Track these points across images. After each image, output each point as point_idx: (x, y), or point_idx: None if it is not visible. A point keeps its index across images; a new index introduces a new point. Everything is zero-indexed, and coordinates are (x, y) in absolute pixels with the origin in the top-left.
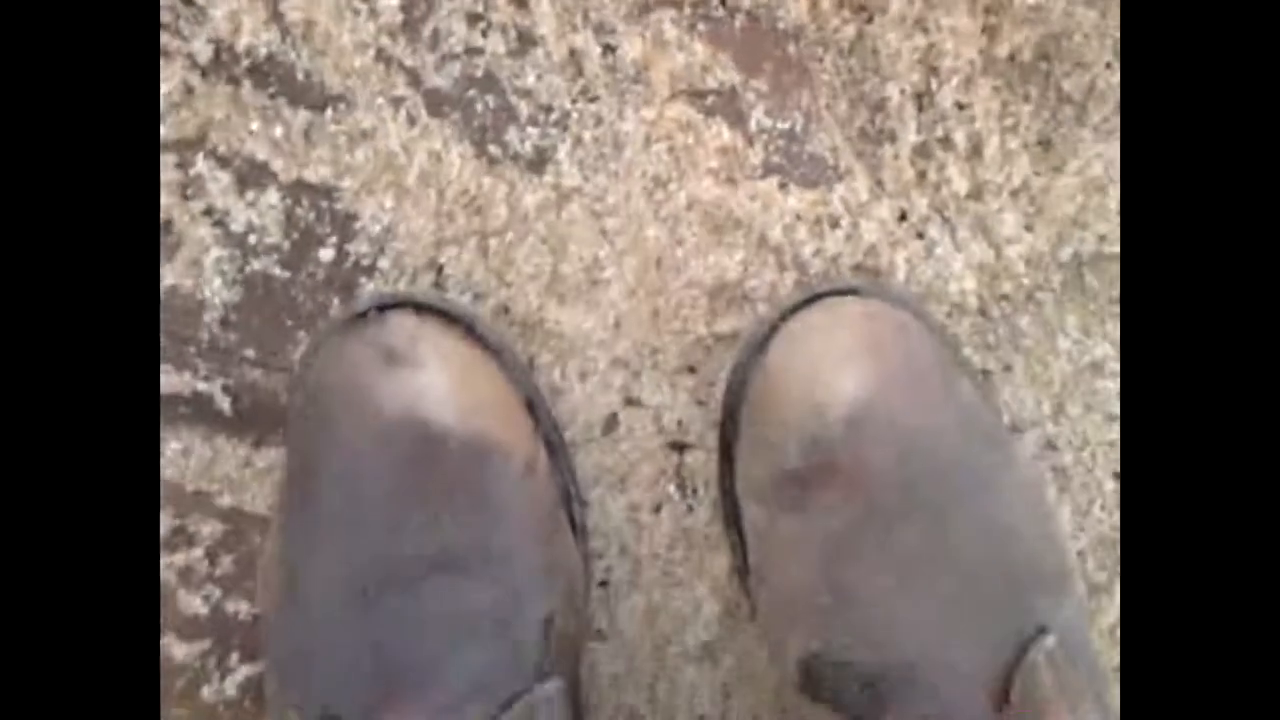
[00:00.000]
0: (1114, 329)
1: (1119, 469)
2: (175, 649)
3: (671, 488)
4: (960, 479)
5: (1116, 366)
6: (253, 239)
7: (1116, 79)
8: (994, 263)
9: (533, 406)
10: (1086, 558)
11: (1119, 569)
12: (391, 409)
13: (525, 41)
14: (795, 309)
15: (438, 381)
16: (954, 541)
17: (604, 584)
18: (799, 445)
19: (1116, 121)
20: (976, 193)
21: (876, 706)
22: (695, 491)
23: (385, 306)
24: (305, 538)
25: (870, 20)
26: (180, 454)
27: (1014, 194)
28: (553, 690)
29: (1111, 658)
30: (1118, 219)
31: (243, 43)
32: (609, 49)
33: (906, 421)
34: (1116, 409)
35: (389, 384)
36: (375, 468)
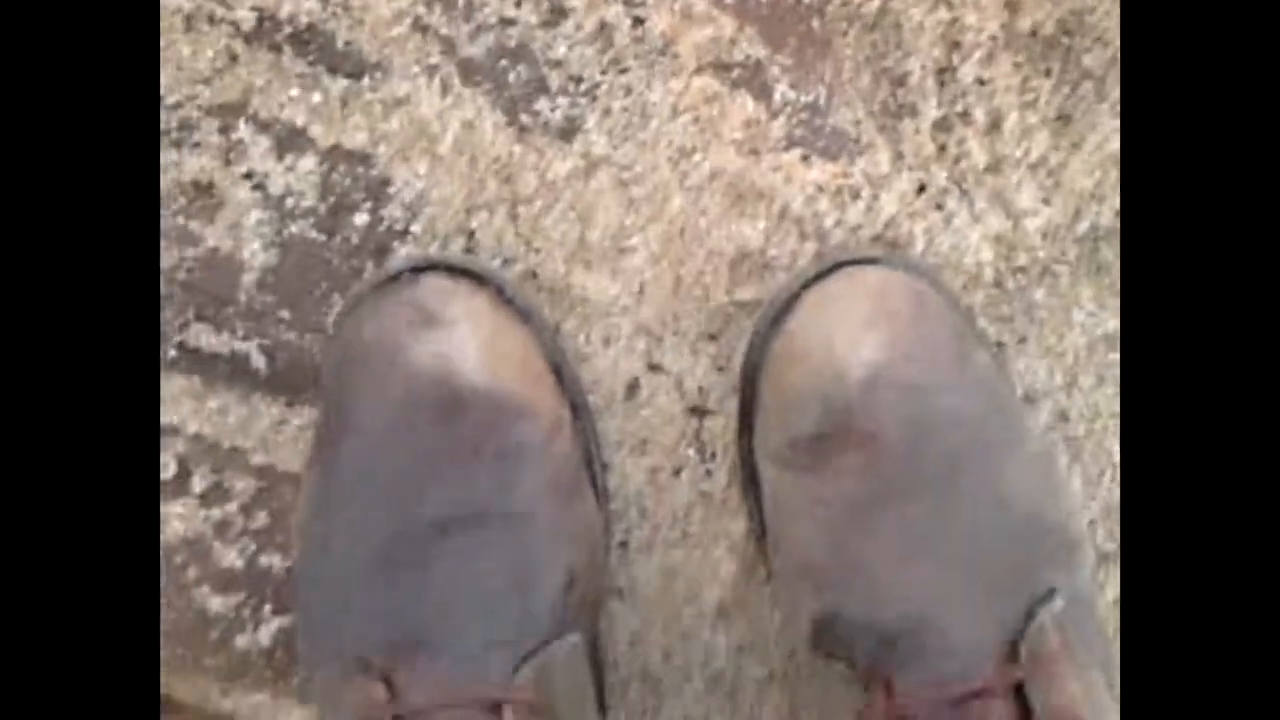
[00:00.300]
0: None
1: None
2: (211, 600)
3: (691, 452)
4: (974, 445)
5: None
6: (290, 202)
7: None
8: (1011, 235)
9: (559, 369)
10: (1096, 527)
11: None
12: (423, 367)
13: (557, 13)
14: (815, 278)
15: (468, 341)
16: (966, 506)
17: (623, 545)
18: (816, 409)
19: None
20: (995, 166)
21: (888, 664)
22: (714, 456)
23: (419, 268)
24: (335, 493)
25: None
26: (217, 411)
27: (1032, 168)
28: (572, 644)
29: (1119, 624)
30: None
31: (285, 11)
32: (638, 21)
33: (922, 388)
34: None
35: (421, 343)
36: (405, 425)
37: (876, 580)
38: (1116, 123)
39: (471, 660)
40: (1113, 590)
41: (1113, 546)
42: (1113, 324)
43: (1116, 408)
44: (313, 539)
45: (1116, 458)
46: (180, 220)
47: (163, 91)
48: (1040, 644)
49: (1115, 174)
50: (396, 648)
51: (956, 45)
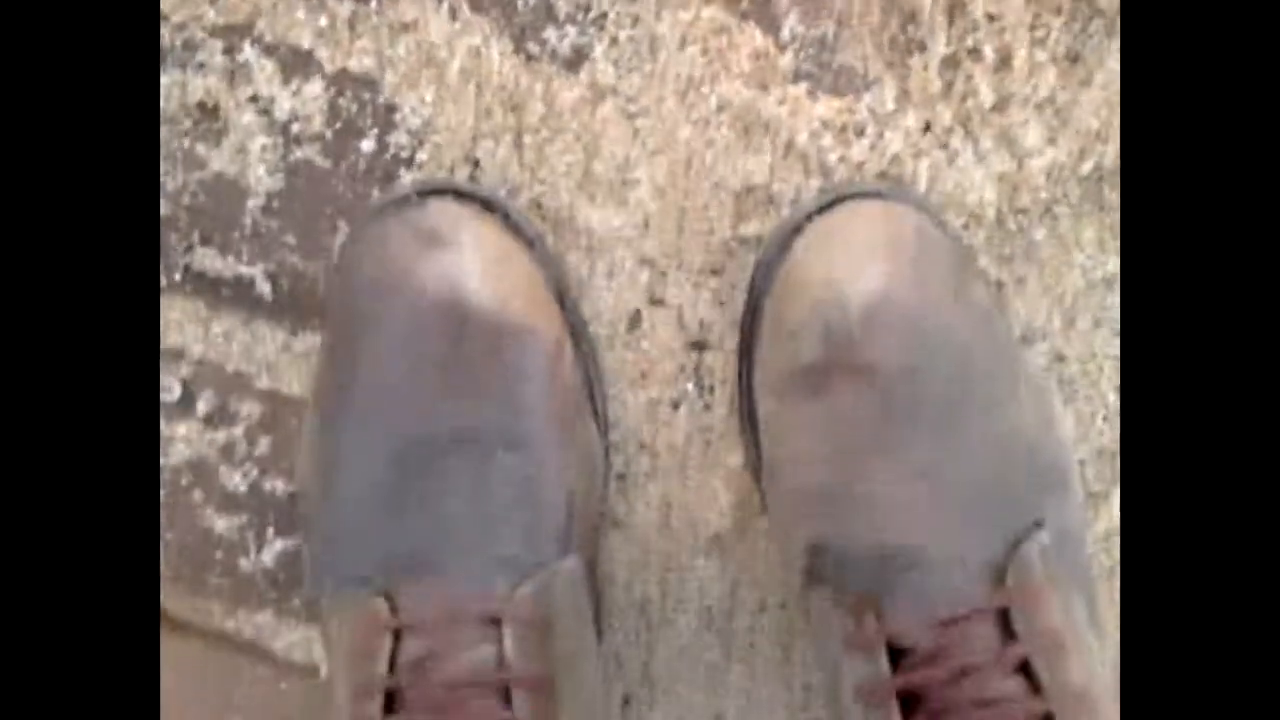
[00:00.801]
0: None
1: (1120, 384)
2: (216, 522)
3: (690, 386)
4: (970, 378)
5: None
6: (296, 127)
7: None
8: (1015, 174)
9: (562, 298)
10: (1087, 467)
11: (1117, 479)
12: (430, 288)
13: None
14: (819, 210)
15: (474, 264)
16: (961, 437)
17: (621, 477)
18: (817, 338)
19: None
20: (1002, 105)
21: (879, 588)
22: (713, 390)
23: (426, 192)
24: (342, 412)
25: None
26: (222, 336)
27: (1039, 107)
28: (571, 566)
29: (1105, 562)
30: None
31: None
32: None
33: (922, 319)
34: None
35: (428, 264)
36: (412, 344)
37: (870, 508)
38: None
39: (473, 577)
40: (1101, 525)
41: (1101, 487)
42: (1112, 266)
43: (1112, 350)
44: (320, 458)
45: (1110, 399)
46: (185, 143)
47: (167, 10)
48: (1026, 572)
49: None
50: (400, 565)
51: None
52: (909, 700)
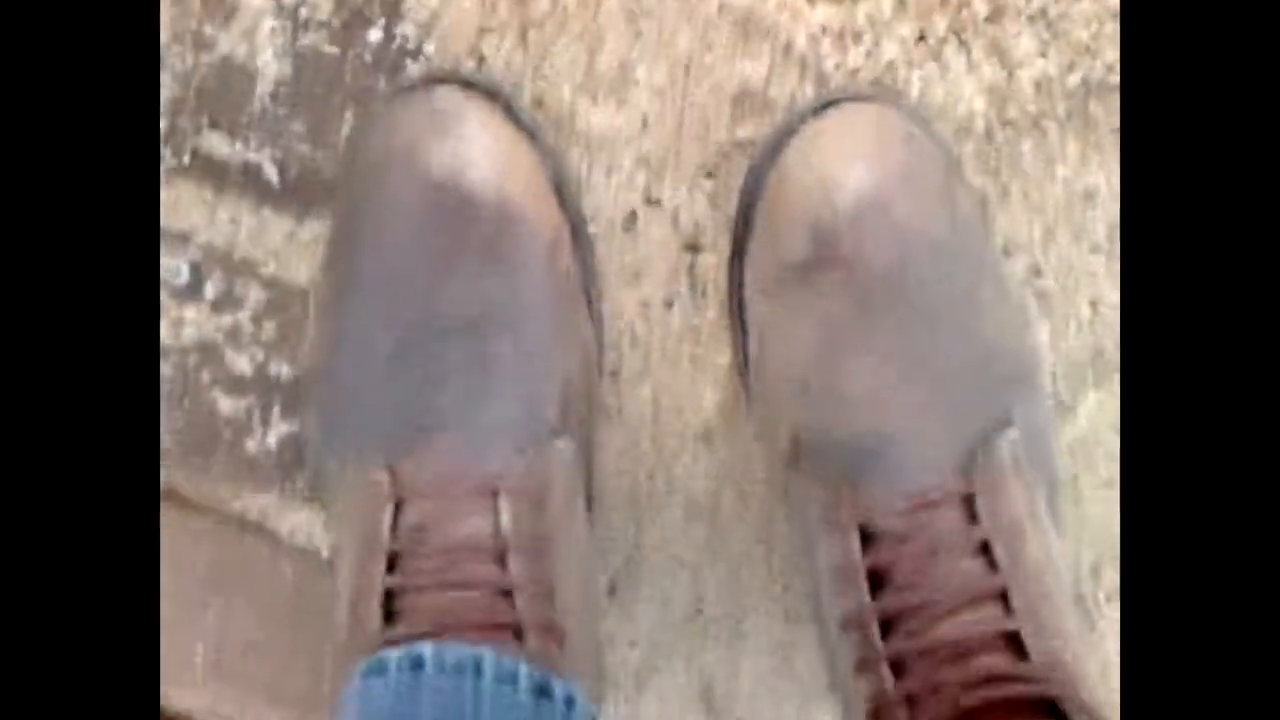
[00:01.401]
0: (1111, 159)
1: (1096, 297)
2: (221, 403)
3: (683, 287)
4: (952, 276)
5: (1108, 197)
6: (304, 13)
7: None
8: (1005, 86)
9: (560, 191)
10: (1058, 377)
11: (1086, 390)
12: (435, 171)
13: None
14: (813, 112)
15: (479, 150)
16: (939, 334)
17: (614, 373)
18: (805, 235)
19: None
20: (996, 15)
21: (856, 474)
22: (704, 291)
23: (433, 81)
24: (347, 291)
25: None
26: (228, 222)
27: (1031, 19)
28: (565, 447)
29: (1071, 468)
30: None
31: None
32: None
33: (907, 220)
34: (1102, 239)
35: (434, 148)
36: (417, 225)
37: (850, 399)
38: None
39: (471, 452)
40: (1068, 434)
41: (1070, 397)
42: (1093, 179)
43: (1090, 265)
44: (326, 334)
45: (1083, 313)
46: (194, 24)
47: None
48: (993, 463)
49: (1112, 26)
50: (400, 438)
51: None
52: (877, 577)
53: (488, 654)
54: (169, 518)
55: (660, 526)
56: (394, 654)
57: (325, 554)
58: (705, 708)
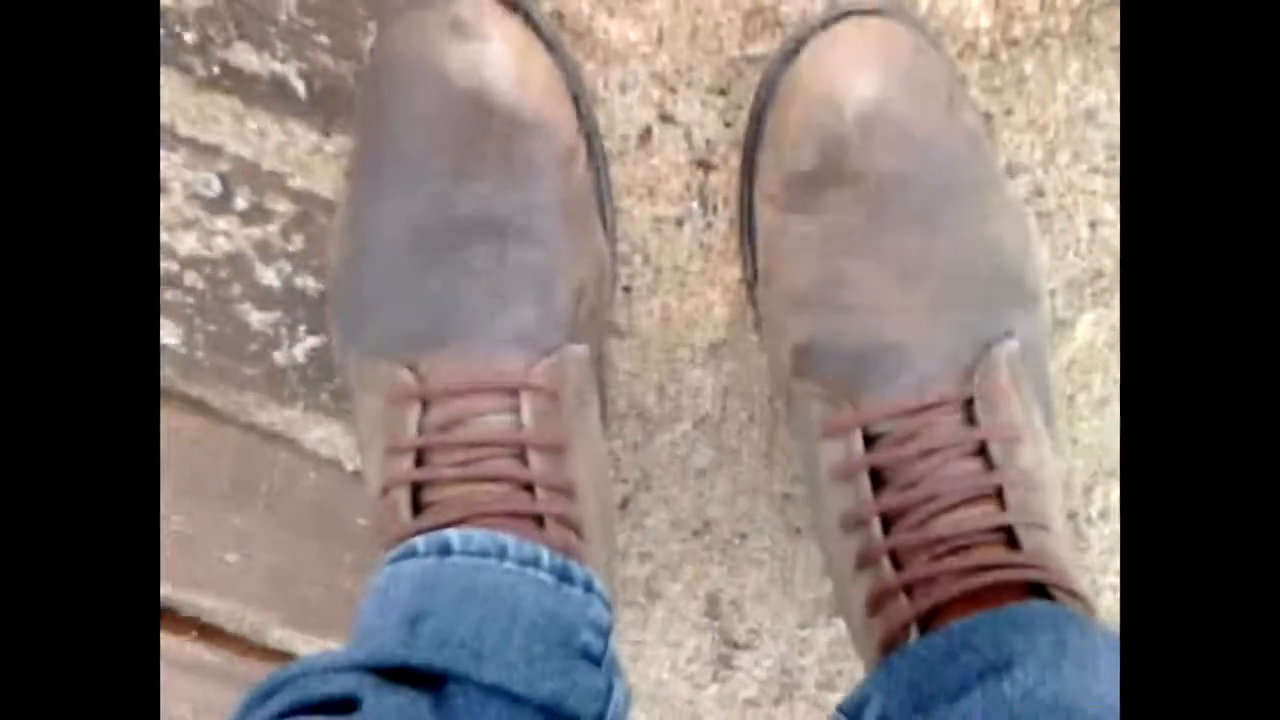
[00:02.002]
0: (1112, 76)
1: (1096, 218)
2: (251, 316)
3: (694, 204)
4: (956, 191)
5: (1108, 115)
6: None
7: None
8: (1009, 2)
9: (577, 101)
10: (1057, 296)
11: (1084, 308)
12: (456, 75)
13: None
14: (821, 25)
15: (499, 55)
16: (943, 244)
17: (626, 288)
18: (814, 144)
19: None
20: None
21: (859, 380)
22: (715, 209)
23: None
24: (371, 194)
25: None
26: (256, 134)
27: None
28: (581, 352)
29: (1066, 388)
30: None
31: None
32: None
33: (914, 131)
34: (1101, 160)
35: (456, 52)
36: (438, 129)
37: (855, 307)
38: None
39: (493, 352)
40: (1065, 353)
41: (1070, 314)
42: (1093, 98)
43: (1088, 184)
44: (351, 238)
45: (1082, 232)
46: None
47: None
48: (991, 373)
49: None
50: (422, 338)
51: None
52: (878, 477)
53: (510, 539)
54: (198, 428)
55: (670, 440)
56: (422, 540)
57: (349, 466)
58: (711, 617)
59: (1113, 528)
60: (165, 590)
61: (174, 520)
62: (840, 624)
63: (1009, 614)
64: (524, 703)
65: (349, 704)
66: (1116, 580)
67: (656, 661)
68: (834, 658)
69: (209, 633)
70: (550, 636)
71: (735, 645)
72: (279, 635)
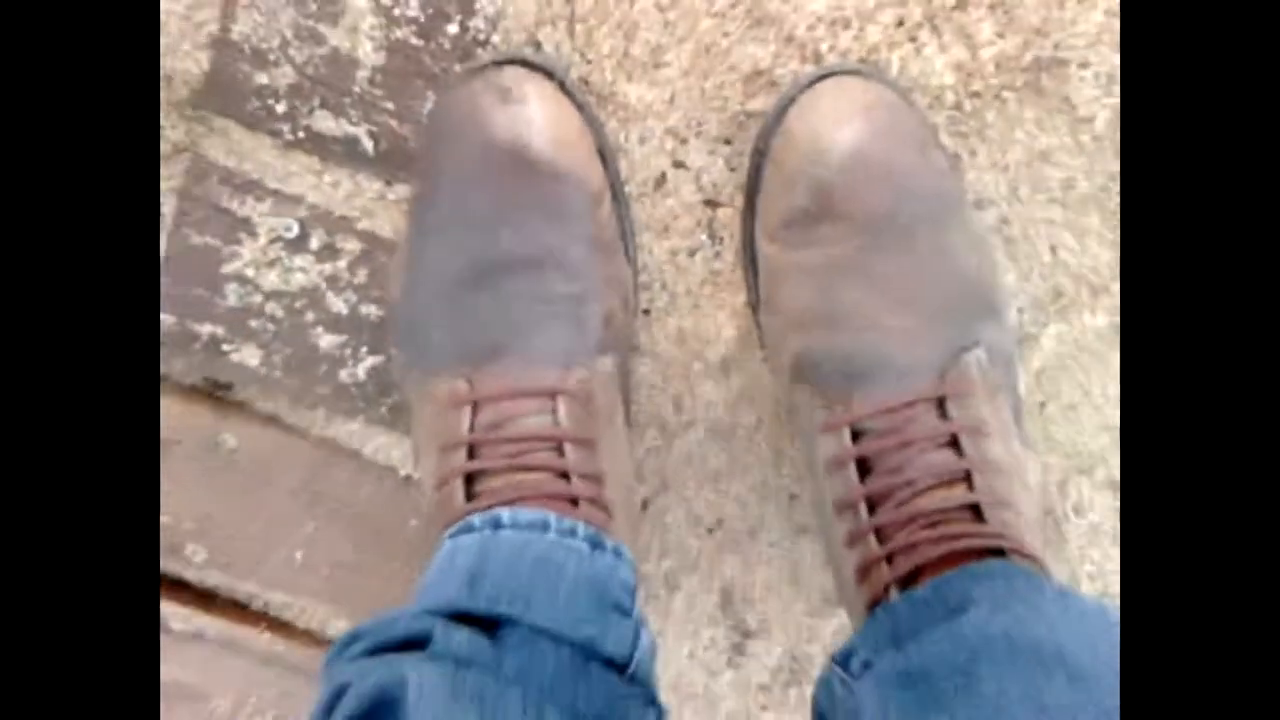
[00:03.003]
0: (1062, 122)
1: (1055, 243)
2: (321, 340)
3: (704, 237)
4: (929, 220)
5: (1061, 156)
6: (396, 12)
7: None
8: (970, 63)
9: (603, 154)
10: (1025, 313)
11: (1048, 323)
12: (501, 133)
13: None
14: (809, 84)
15: (537, 116)
16: (920, 266)
17: (646, 312)
18: (806, 186)
19: None
20: (962, 4)
21: (850, 384)
22: (722, 241)
23: (501, 61)
24: (426, 233)
25: None
26: (331, 185)
27: (991, 6)
28: (609, 364)
29: (1037, 395)
30: (1072, 28)
31: None
32: None
33: (891, 173)
34: (1058, 193)
35: (501, 114)
36: (485, 178)
37: (845, 322)
38: None
39: (534, 365)
40: (1035, 362)
41: (1035, 330)
42: (1047, 141)
43: (1049, 215)
44: (411, 270)
45: (1044, 258)
46: (310, 23)
47: None
48: (963, 375)
49: (1058, 13)
50: (475, 354)
51: None
52: (865, 466)
53: (552, 516)
54: (271, 441)
55: (686, 445)
56: (478, 517)
57: (403, 473)
58: (724, 610)
59: (1088, 521)
60: (247, 587)
61: (250, 527)
62: (843, 614)
63: (970, 570)
64: (565, 642)
65: (421, 642)
66: (1093, 569)
67: (675, 650)
68: (839, 645)
69: (277, 626)
70: (587, 592)
71: (747, 634)
72: (340, 627)
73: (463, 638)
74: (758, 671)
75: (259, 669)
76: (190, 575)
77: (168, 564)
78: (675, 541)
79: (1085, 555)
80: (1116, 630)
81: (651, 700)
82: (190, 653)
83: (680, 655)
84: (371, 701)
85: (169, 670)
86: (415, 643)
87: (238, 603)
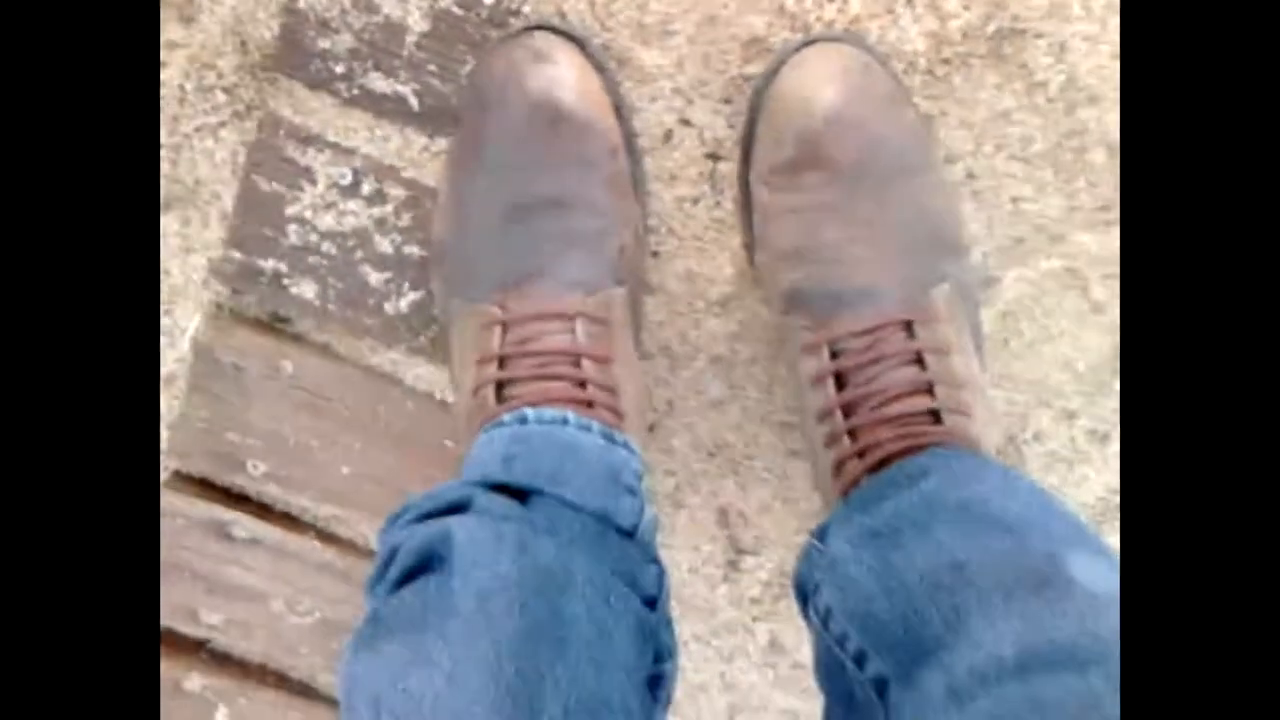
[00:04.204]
0: (1020, 86)
1: (1016, 195)
2: (370, 276)
3: (707, 187)
4: (902, 168)
5: (1020, 115)
6: None
7: None
8: (940, 32)
9: (619, 110)
10: (990, 258)
11: (1011, 266)
12: (534, 92)
13: None
14: (797, 49)
15: (566, 76)
16: (893, 209)
17: (655, 253)
18: (794, 138)
19: None
20: None
21: (830, 310)
22: (723, 191)
23: (533, 28)
24: (469, 176)
25: None
26: (382, 138)
27: None
28: (622, 293)
29: (1001, 333)
30: (1029, 2)
31: None
32: None
33: (869, 127)
34: (1018, 150)
35: (534, 71)
36: (521, 128)
37: (829, 259)
38: None
39: (558, 291)
40: (999, 305)
41: (999, 272)
42: (1008, 102)
43: (1010, 169)
44: (452, 210)
45: (1005, 207)
46: None
47: None
48: (929, 304)
49: None
50: (507, 282)
51: None
52: (841, 380)
53: (570, 413)
54: (325, 368)
55: (689, 375)
56: (508, 414)
57: (438, 397)
58: (722, 527)
59: (1046, 448)
60: (301, 500)
61: (305, 445)
62: None
63: (926, 454)
64: (585, 512)
65: (463, 507)
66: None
67: (678, 564)
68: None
69: (325, 536)
70: (603, 474)
71: (742, 551)
72: None
73: (500, 501)
74: (751, 585)
75: (310, 574)
76: (250, 488)
77: (233, 477)
78: (679, 463)
79: (1043, 479)
80: (1045, 496)
81: (652, 559)
82: (250, 558)
83: (682, 569)
84: (420, 555)
85: (232, 573)
86: (458, 508)
87: (290, 514)
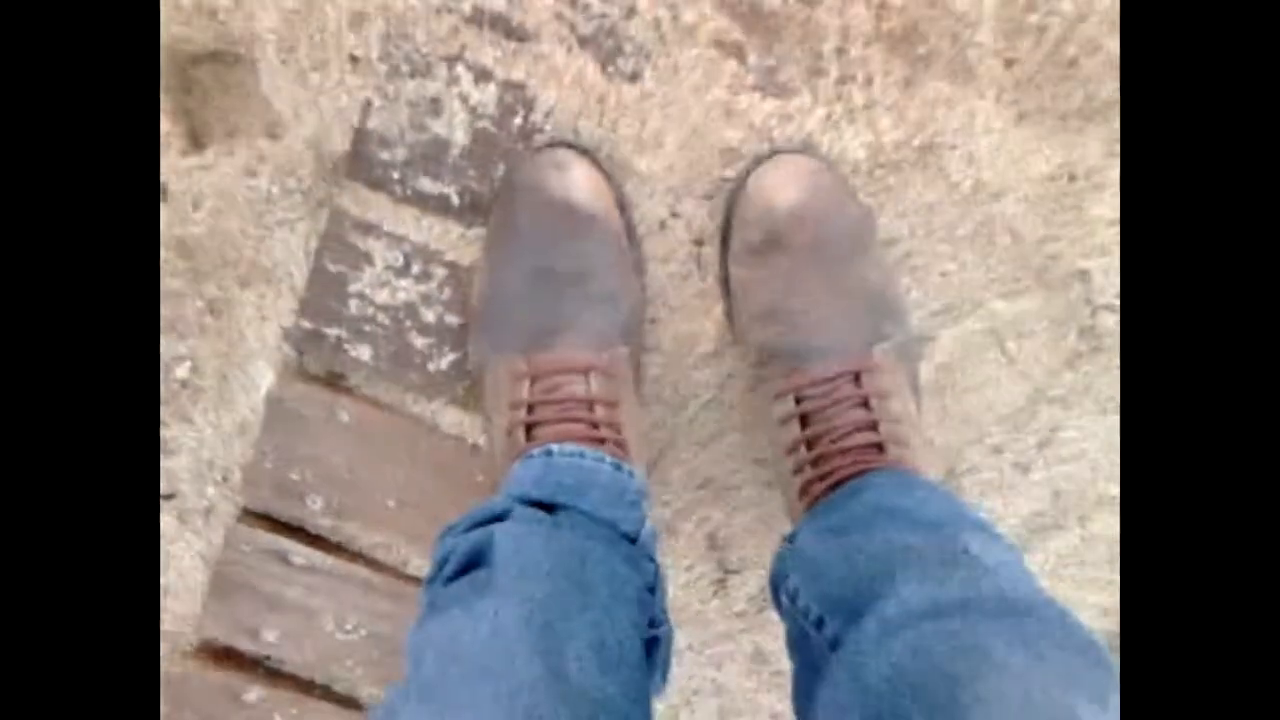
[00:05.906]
0: (941, 186)
1: (944, 270)
2: (416, 341)
3: (693, 266)
4: (852, 251)
5: (945, 208)
6: (480, 109)
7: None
8: (876, 144)
9: (623, 207)
10: (926, 320)
11: (944, 327)
12: (554, 193)
13: (629, 11)
14: (764, 159)
15: (580, 182)
16: (844, 282)
17: (653, 321)
18: (762, 229)
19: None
20: (869, 106)
21: (799, 365)
22: (706, 269)
23: (553, 144)
24: (501, 256)
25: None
26: (428, 228)
27: (888, 108)
28: (628, 350)
29: (941, 382)
30: (945, 124)
31: (469, 3)
32: (675, 18)
33: (823, 219)
34: (944, 234)
35: (554, 179)
36: (543, 220)
37: (793, 322)
38: (939, 82)
39: (576, 349)
40: (937, 359)
41: (936, 332)
42: (934, 196)
43: (939, 250)
44: (489, 285)
45: (937, 281)
46: (421, 119)
47: (425, 32)
48: (874, 358)
49: (935, 112)
50: (533, 340)
51: (847, 35)
52: (804, 421)
53: (587, 449)
54: (373, 418)
55: (684, 419)
56: (535, 451)
57: (470, 441)
58: (712, 548)
59: (981, 478)
60: (350, 528)
61: (356, 481)
62: None
63: (868, 475)
64: (598, 521)
65: (503, 517)
66: (987, 515)
67: (673, 581)
68: None
69: (371, 562)
70: (613, 492)
71: (729, 571)
72: (419, 565)
73: (533, 511)
74: (737, 600)
75: (358, 595)
76: (308, 520)
77: (292, 510)
78: (674, 493)
79: (980, 503)
80: (955, 502)
81: (650, 558)
82: (305, 581)
83: (677, 585)
84: (468, 557)
85: (291, 593)
86: (499, 517)
87: (341, 544)
